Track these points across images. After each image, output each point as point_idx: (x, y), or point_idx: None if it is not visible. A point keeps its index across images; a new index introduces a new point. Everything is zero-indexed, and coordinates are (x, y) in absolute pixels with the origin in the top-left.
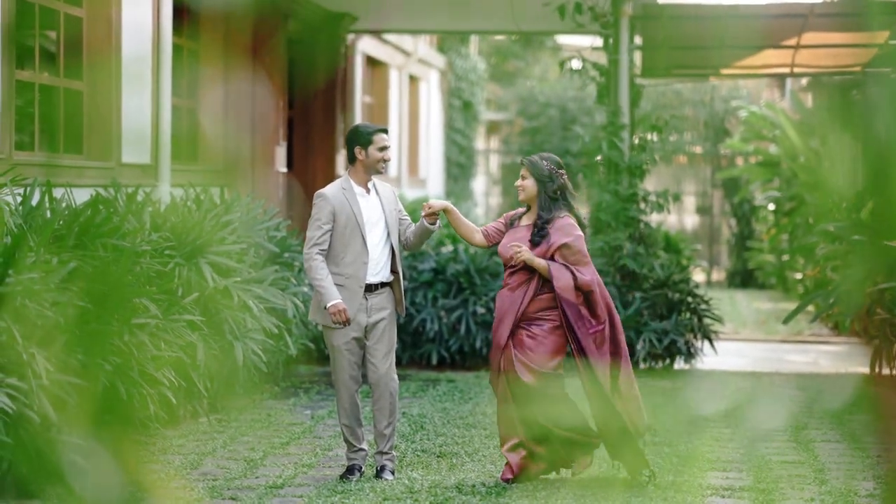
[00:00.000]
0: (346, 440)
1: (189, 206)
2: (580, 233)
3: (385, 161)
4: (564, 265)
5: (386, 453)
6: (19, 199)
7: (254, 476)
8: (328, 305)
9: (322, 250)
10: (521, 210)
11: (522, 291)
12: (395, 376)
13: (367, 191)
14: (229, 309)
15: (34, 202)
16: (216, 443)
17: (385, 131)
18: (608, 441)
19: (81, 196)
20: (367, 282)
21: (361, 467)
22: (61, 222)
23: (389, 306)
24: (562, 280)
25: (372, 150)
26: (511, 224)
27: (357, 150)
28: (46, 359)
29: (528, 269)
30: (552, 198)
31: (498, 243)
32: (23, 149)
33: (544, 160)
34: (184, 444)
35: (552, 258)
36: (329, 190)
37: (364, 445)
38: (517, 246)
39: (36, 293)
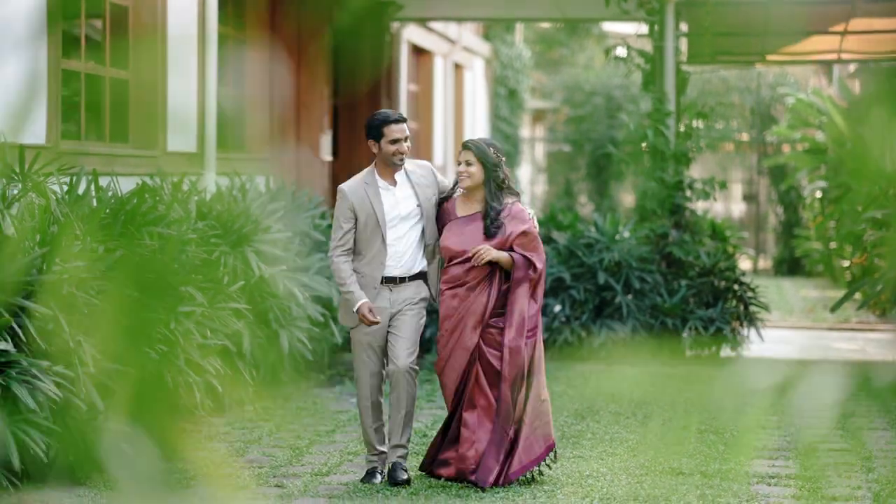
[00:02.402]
0: (366, 442)
1: (234, 194)
2: (531, 218)
3: (399, 154)
4: (521, 255)
5: (399, 447)
6: (66, 187)
7: (300, 464)
8: (356, 308)
9: (346, 250)
10: (453, 200)
11: (486, 287)
12: (416, 370)
13: (394, 183)
14: (275, 297)
15: (80, 191)
16: (262, 431)
17: (399, 121)
18: None
19: (127, 185)
20: (390, 275)
21: (383, 471)
22: (107, 211)
23: (417, 298)
24: (522, 270)
25: (384, 143)
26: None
27: (371, 142)
28: (93, 347)
29: (488, 264)
30: (500, 186)
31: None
32: (69, 138)
33: (490, 146)
34: (230, 431)
35: (510, 248)
36: (349, 185)
37: (385, 448)
38: (479, 248)
39: (82, 281)
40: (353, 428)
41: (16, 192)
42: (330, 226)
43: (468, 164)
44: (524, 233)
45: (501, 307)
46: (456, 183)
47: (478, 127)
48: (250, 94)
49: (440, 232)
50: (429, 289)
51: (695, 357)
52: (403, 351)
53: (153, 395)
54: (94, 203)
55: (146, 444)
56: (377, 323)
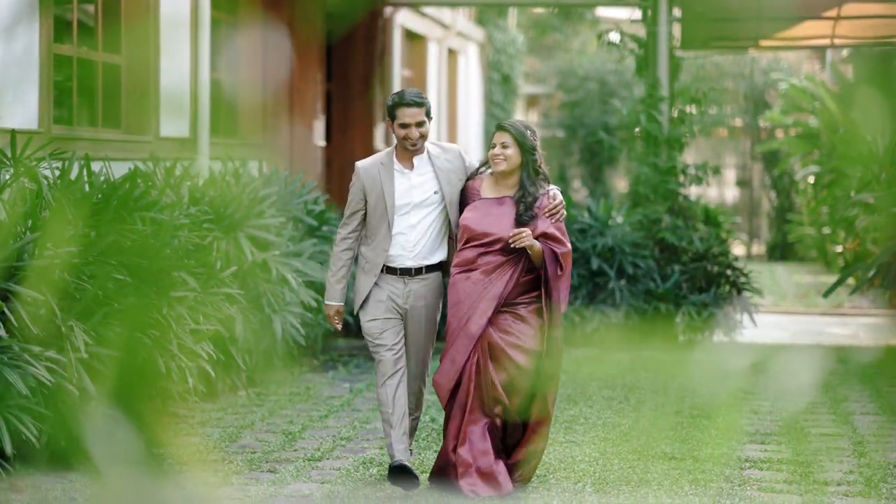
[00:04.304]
0: (386, 436)
1: (227, 179)
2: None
3: (408, 140)
4: (551, 249)
5: (404, 447)
6: (58, 172)
7: (292, 449)
8: (324, 304)
9: (351, 232)
10: (480, 179)
11: (504, 274)
12: (427, 371)
13: (411, 167)
14: (268, 282)
15: (72, 176)
16: (255, 416)
17: (412, 104)
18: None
19: (120, 170)
20: (404, 266)
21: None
22: (100, 196)
23: (432, 295)
24: (551, 264)
25: (396, 126)
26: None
27: (387, 122)
28: (85, 332)
29: (508, 251)
30: (537, 171)
31: None
32: (61, 123)
33: (527, 129)
34: (222, 417)
35: (537, 238)
36: (364, 163)
37: (409, 444)
38: (521, 230)
39: (74, 266)
40: (347, 413)
41: (7, 177)
42: (322, 212)
43: (504, 146)
44: (545, 233)
45: (517, 296)
46: (484, 163)
47: (471, 112)
48: (243, 79)
49: (461, 212)
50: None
51: (688, 342)
52: (414, 353)
53: (144, 380)
54: (86, 188)
55: (134, 430)
56: (337, 328)
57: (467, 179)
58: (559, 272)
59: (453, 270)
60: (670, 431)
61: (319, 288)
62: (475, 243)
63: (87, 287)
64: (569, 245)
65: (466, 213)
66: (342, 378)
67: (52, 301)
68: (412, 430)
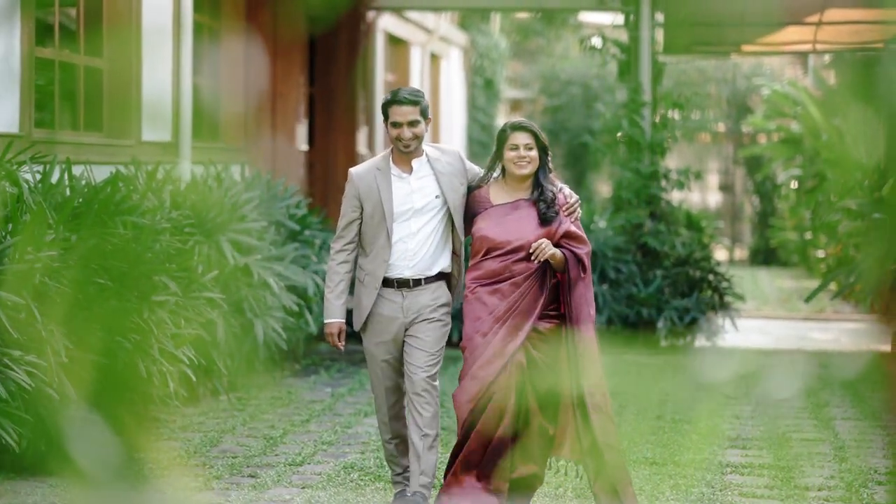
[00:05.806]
0: (387, 460)
1: (209, 183)
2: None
3: (401, 140)
4: (571, 251)
5: (421, 474)
6: (39, 176)
7: (273, 453)
8: (324, 323)
9: (347, 244)
10: (484, 188)
11: (536, 283)
12: (437, 388)
13: (410, 170)
14: (249, 287)
15: (54, 180)
16: (236, 420)
17: (403, 102)
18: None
19: (101, 174)
20: (402, 276)
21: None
22: (81, 200)
23: (436, 304)
24: (574, 268)
25: (388, 126)
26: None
27: (384, 122)
28: (66, 336)
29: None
30: (550, 169)
31: None
32: (43, 126)
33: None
34: (204, 421)
35: (557, 243)
36: (358, 169)
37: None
38: (540, 243)
39: (55, 270)
40: (328, 418)
41: None
42: (305, 216)
43: (529, 147)
44: (567, 232)
45: (548, 307)
46: (490, 168)
47: (455, 117)
48: (226, 84)
49: (470, 223)
50: (451, 292)
51: (670, 347)
52: (421, 364)
53: (124, 385)
54: (68, 192)
55: (114, 435)
56: (338, 348)
57: (473, 188)
58: (582, 274)
59: (472, 285)
60: (652, 436)
61: (301, 292)
62: (498, 252)
63: (67, 291)
64: (589, 244)
65: (480, 224)
66: (324, 382)
67: (32, 305)
68: (423, 455)
